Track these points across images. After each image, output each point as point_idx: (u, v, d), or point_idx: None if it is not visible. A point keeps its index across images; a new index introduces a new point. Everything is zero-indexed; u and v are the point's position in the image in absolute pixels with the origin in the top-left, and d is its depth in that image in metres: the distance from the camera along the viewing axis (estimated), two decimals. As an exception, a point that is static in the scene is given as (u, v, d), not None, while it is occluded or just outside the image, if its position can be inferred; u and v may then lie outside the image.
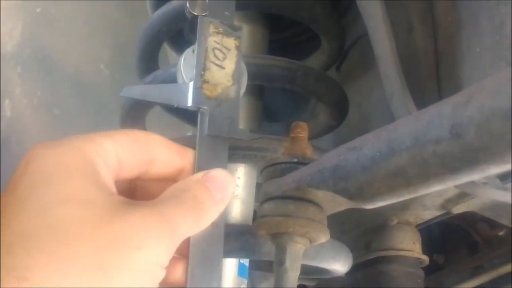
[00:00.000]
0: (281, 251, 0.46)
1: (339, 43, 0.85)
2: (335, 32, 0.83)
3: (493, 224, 0.95)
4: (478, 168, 0.34)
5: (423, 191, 0.39)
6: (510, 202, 0.58)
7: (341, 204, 0.46)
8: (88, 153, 0.38)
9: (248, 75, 0.66)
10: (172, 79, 0.71)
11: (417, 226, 0.82)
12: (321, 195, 0.45)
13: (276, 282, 0.47)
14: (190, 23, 0.50)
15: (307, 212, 0.46)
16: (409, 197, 0.41)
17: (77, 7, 1.67)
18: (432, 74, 0.71)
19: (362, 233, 0.83)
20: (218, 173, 0.43)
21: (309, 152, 0.52)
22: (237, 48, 0.49)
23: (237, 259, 0.63)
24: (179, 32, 0.84)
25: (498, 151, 0.32)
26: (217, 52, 0.48)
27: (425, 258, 0.81)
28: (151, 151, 0.43)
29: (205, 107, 0.46)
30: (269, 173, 0.51)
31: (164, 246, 0.38)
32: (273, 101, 1.07)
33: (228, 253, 0.58)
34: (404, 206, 0.75)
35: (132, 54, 0.87)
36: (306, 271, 0.65)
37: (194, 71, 0.47)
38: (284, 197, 0.47)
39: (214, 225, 0.43)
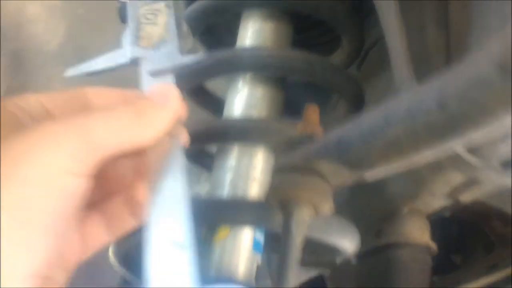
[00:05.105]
0: (287, 217, 0.51)
1: (358, 43, 0.89)
2: (355, 32, 0.87)
3: (506, 222, 0.97)
4: (460, 134, 0.38)
5: (415, 157, 0.43)
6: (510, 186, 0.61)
7: (344, 175, 0.50)
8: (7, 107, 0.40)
9: (268, 67, 0.71)
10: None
11: (428, 217, 0.85)
12: (325, 166, 0.49)
13: (282, 248, 0.51)
14: (120, 12, 0.54)
15: (312, 181, 0.50)
16: (403, 164, 0.44)
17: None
18: (443, 68, 0.74)
19: (372, 222, 0.87)
20: (157, 86, 0.44)
21: (319, 132, 0.56)
22: (167, 6, 0.52)
23: (252, 236, 0.67)
24: (209, 29, 0.90)
25: (476, 118, 0.36)
26: (149, 15, 0.51)
27: (433, 246, 0.84)
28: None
29: (144, 56, 0.49)
30: (280, 151, 0.56)
31: (69, 150, 0.34)
32: (296, 100, 1.11)
33: (243, 223, 0.63)
34: (413, 194, 0.79)
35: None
36: (315, 250, 0.68)
37: (130, 35, 0.50)
38: (290, 168, 0.51)
39: (172, 136, 0.43)
